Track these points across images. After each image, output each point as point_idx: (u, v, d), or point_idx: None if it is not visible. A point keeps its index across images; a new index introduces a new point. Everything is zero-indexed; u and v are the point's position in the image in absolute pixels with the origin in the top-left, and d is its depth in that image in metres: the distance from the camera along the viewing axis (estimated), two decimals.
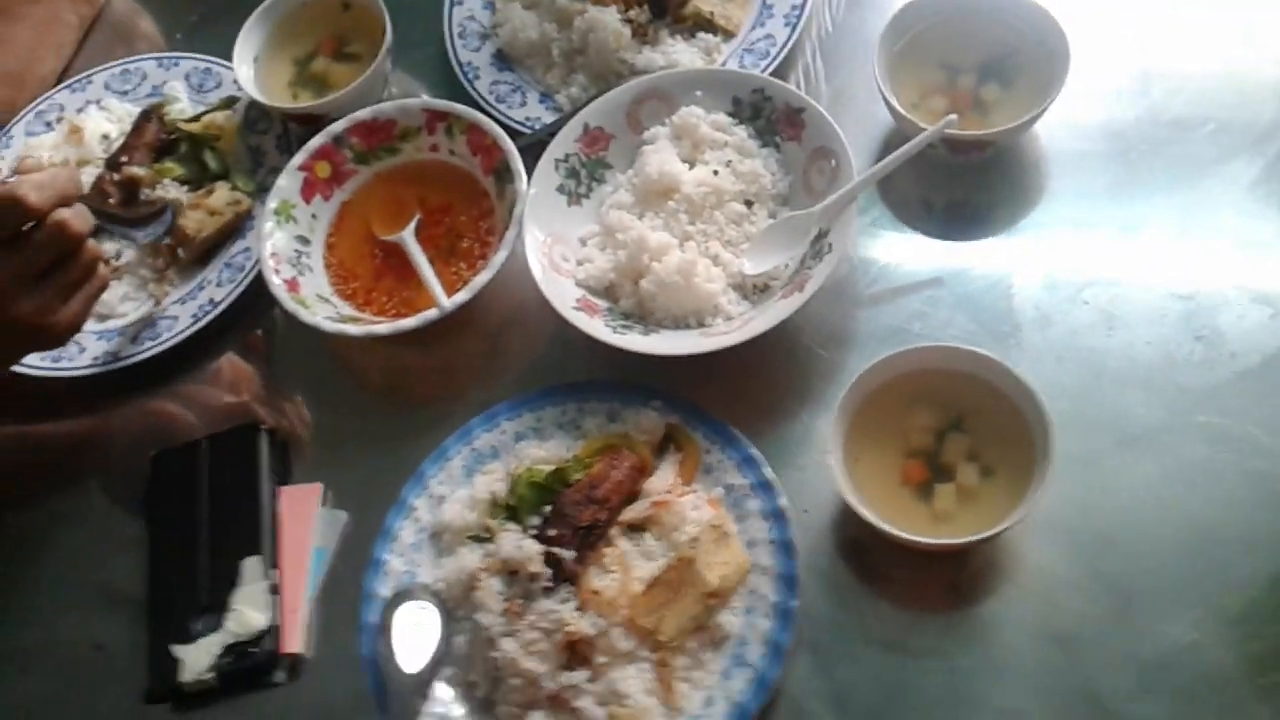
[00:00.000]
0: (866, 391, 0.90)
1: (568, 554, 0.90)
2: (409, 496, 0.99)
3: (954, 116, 0.98)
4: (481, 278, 1.02)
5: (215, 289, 1.14)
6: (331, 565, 1.00)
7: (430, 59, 1.25)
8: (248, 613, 0.96)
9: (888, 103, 1.03)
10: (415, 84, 1.27)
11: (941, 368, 0.90)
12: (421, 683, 0.90)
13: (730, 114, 1.08)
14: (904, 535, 0.84)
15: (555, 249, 1.04)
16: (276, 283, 1.07)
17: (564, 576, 0.90)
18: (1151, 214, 1.02)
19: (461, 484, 0.98)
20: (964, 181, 1.07)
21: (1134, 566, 0.86)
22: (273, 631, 0.96)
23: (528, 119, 1.16)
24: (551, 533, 0.91)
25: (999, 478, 0.87)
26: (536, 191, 1.05)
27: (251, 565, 0.99)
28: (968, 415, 0.90)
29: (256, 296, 1.12)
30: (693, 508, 0.91)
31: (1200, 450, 0.90)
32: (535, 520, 0.93)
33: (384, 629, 0.92)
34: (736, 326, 0.97)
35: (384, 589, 0.95)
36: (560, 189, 1.07)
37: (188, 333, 1.11)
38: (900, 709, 0.84)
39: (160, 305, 1.14)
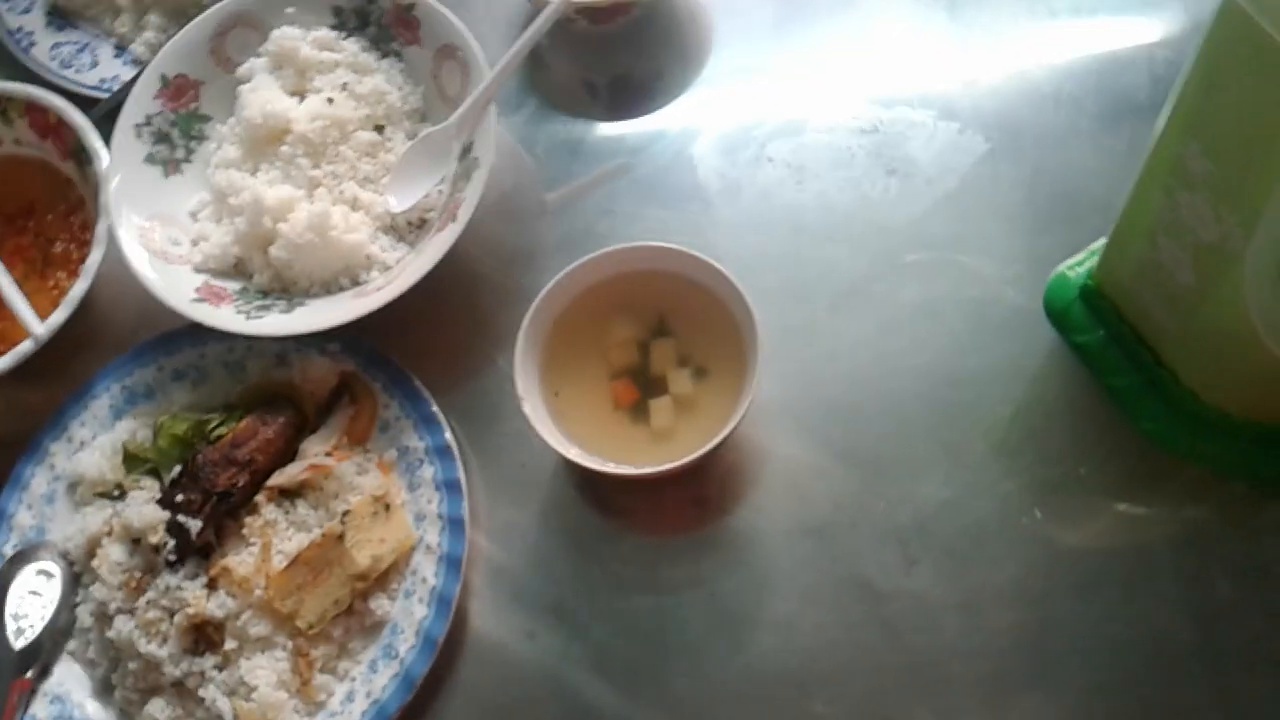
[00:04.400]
0: (552, 315, 0.79)
1: (194, 523, 0.76)
2: (45, 439, 0.84)
3: None
4: (77, 288, 0.84)
5: None
6: None
7: None
8: None
9: None
10: None
11: (632, 270, 0.80)
12: (28, 658, 0.77)
13: (334, 28, 0.92)
14: (624, 470, 0.74)
15: (161, 232, 0.87)
16: None
17: (192, 549, 0.77)
18: (820, 46, 0.94)
19: (106, 428, 0.84)
20: (622, 53, 0.96)
21: (873, 433, 0.79)
22: None
23: (103, 81, 0.97)
24: (179, 498, 0.77)
25: (713, 377, 0.78)
26: (120, 168, 0.87)
27: None
28: (670, 316, 0.80)
29: None
30: (358, 472, 0.79)
31: (914, 290, 0.83)
32: (171, 479, 0.79)
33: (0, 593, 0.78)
34: (393, 277, 0.83)
35: (7, 547, 0.81)
36: (150, 159, 0.89)
37: None
38: (667, 651, 0.75)
39: None
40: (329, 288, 0.85)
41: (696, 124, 0.93)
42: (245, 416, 0.80)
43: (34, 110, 0.92)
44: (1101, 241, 0.78)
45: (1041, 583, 0.73)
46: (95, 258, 0.84)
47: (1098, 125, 0.87)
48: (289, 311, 0.83)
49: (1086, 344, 0.78)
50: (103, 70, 0.98)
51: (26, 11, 1.02)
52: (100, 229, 0.85)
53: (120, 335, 0.89)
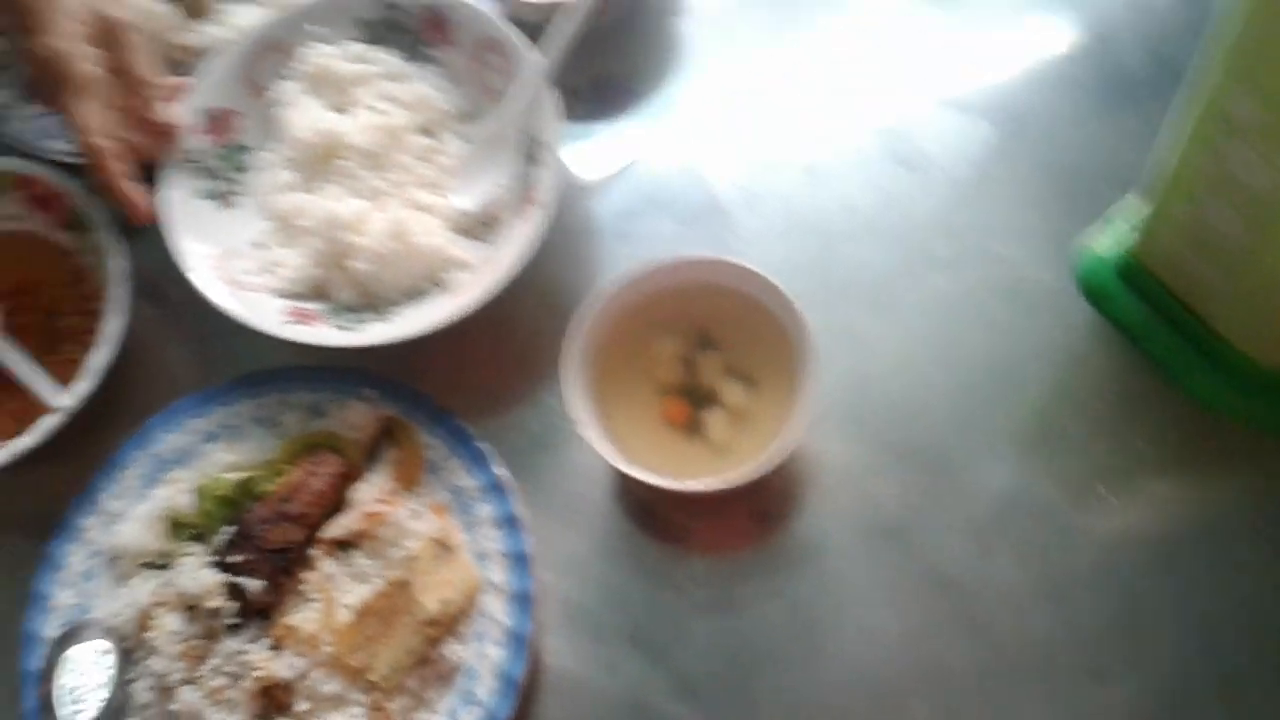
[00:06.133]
0: (593, 338, 0.77)
1: (255, 584, 0.74)
2: (76, 517, 0.81)
3: None
4: (99, 357, 0.81)
5: None
6: None
7: None
8: None
9: None
10: None
11: (668, 285, 0.79)
12: None
13: (363, 40, 0.90)
14: (687, 485, 0.73)
15: (231, 263, 0.84)
16: None
17: (253, 610, 0.74)
18: (818, 43, 0.94)
19: (140, 498, 0.81)
20: (605, 52, 0.94)
21: (927, 428, 0.79)
22: None
23: None
24: (235, 559, 0.75)
25: (765, 386, 0.77)
26: (177, 206, 0.84)
27: None
28: (713, 328, 0.79)
29: None
30: (413, 517, 0.76)
31: (947, 281, 0.83)
32: (223, 541, 0.77)
33: (47, 676, 0.75)
34: (484, 274, 0.81)
35: (48, 629, 0.78)
36: (202, 194, 0.87)
37: None
38: (751, 668, 0.74)
39: None
40: (412, 294, 0.83)
41: (699, 134, 0.92)
42: (291, 470, 0.78)
43: (22, 183, 0.89)
44: (1116, 208, 0.79)
45: (1120, 562, 0.73)
46: (116, 325, 0.81)
47: (1100, 103, 0.88)
48: (385, 319, 0.82)
49: (1129, 320, 0.79)
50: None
51: (3, 87, 0.98)
52: (115, 294, 0.82)
53: (135, 406, 0.86)
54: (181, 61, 0.93)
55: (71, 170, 0.89)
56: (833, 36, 0.95)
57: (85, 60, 0.81)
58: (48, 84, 0.82)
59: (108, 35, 0.83)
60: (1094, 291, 0.80)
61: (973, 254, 0.84)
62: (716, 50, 0.95)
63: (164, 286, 0.88)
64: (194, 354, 0.90)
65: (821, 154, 0.89)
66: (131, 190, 0.82)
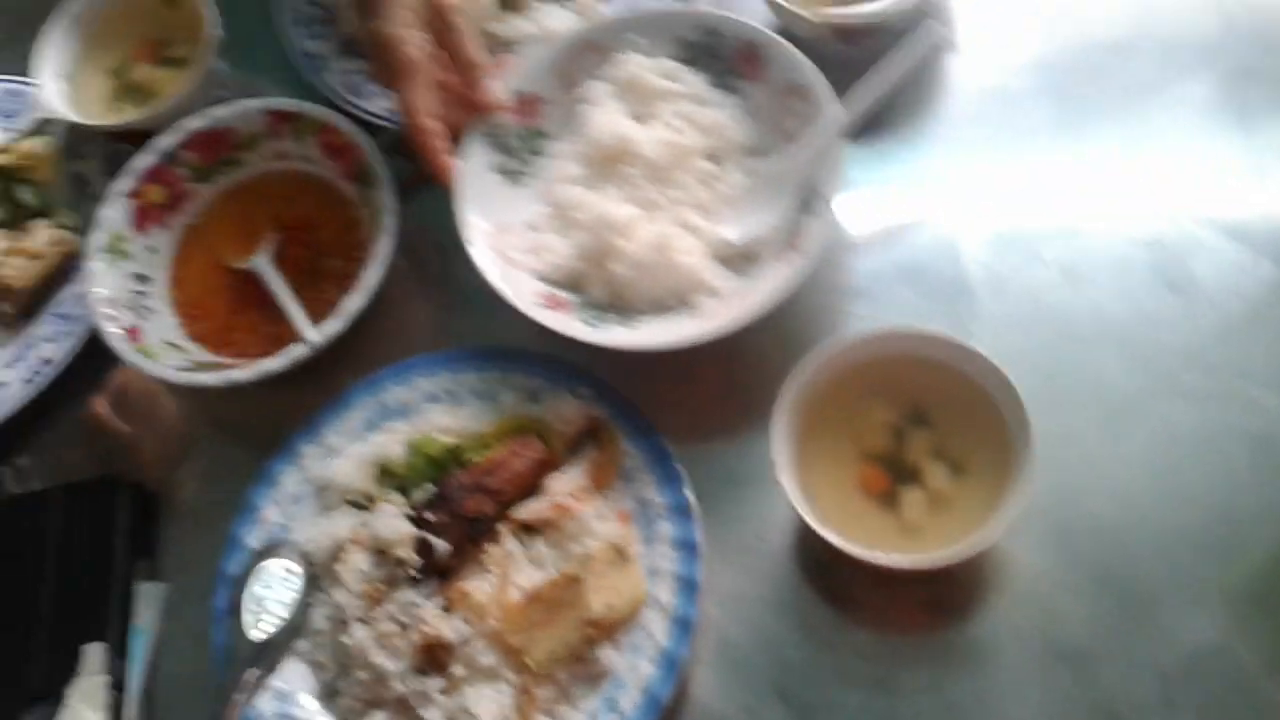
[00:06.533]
0: (807, 389, 0.77)
1: (443, 544, 0.78)
2: (298, 443, 0.87)
3: (949, 32, 0.91)
4: (353, 301, 0.87)
5: (48, 346, 0.97)
6: (155, 648, 0.86)
7: (268, 54, 1.08)
8: (83, 712, 0.81)
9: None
10: (262, 85, 1.08)
11: (893, 353, 0.78)
12: (263, 652, 0.78)
13: (677, 59, 0.94)
14: (876, 557, 0.72)
15: (503, 239, 0.89)
16: (113, 332, 0.91)
17: (435, 569, 0.78)
18: (1099, 152, 0.91)
19: (359, 439, 0.86)
20: (888, 111, 0.92)
21: (1137, 559, 0.75)
22: None
23: (389, 110, 1.01)
24: (430, 517, 0.79)
25: (972, 475, 0.76)
26: (470, 175, 0.90)
27: (94, 653, 0.84)
28: (929, 406, 0.78)
29: (100, 348, 0.94)
30: (598, 518, 0.79)
31: (1191, 415, 0.79)
32: (423, 497, 0.81)
33: (241, 583, 0.81)
34: (731, 305, 0.83)
35: (252, 539, 0.84)
36: (495, 168, 0.92)
37: (21, 401, 0.95)
38: None
39: None
40: (659, 307, 0.86)
41: (963, 212, 0.91)
42: (498, 446, 0.81)
43: (327, 131, 0.96)
44: None
45: None
46: (375, 275, 0.88)
47: None
48: (629, 326, 0.85)
49: None
50: (387, 100, 1.02)
51: (320, 38, 1.07)
52: (381, 248, 0.88)
53: (374, 353, 0.92)
54: (488, 48, 0.99)
55: (369, 128, 0.97)
56: (1118, 141, 0.91)
57: (416, 45, 0.88)
58: (383, 66, 0.89)
59: (437, 19, 0.89)
60: None
61: (1225, 393, 0.80)
62: (995, 130, 0.94)
63: (424, 249, 0.95)
64: (434, 316, 0.95)
65: (1082, 256, 0.86)
66: (447, 163, 0.89)
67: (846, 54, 0.93)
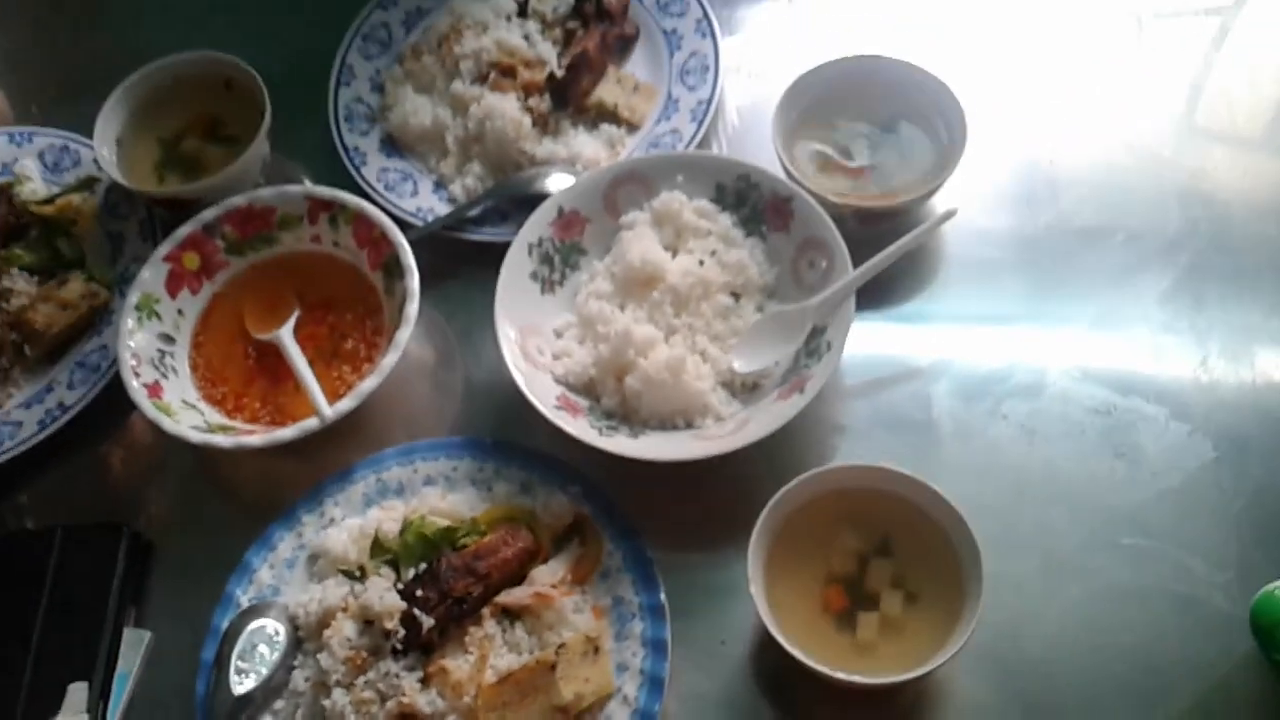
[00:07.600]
0: (787, 512, 0.84)
1: (427, 620, 0.83)
2: (299, 510, 0.92)
3: (954, 209, 0.98)
4: (368, 383, 0.93)
5: (66, 391, 1.03)
6: (132, 692, 0.90)
7: (314, 143, 1.17)
8: None
9: (799, 184, 1.00)
10: (296, 169, 1.18)
11: (866, 487, 0.85)
12: (242, 706, 0.83)
13: (713, 201, 1.02)
14: (829, 672, 0.78)
15: (529, 341, 0.97)
16: (136, 387, 0.97)
17: (418, 643, 0.83)
18: (1066, 325, 1.00)
19: (357, 512, 0.92)
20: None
21: (1065, 700, 0.81)
22: None
23: (419, 209, 1.09)
24: (419, 592, 0.84)
25: (923, 606, 0.82)
26: (508, 278, 0.98)
27: (76, 692, 0.87)
28: (893, 538, 0.85)
29: (114, 400, 1.00)
30: (575, 610, 0.85)
31: (1127, 574, 0.87)
32: (414, 573, 0.86)
33: (228, 638, 0.85)
34: (730, 429, 0.91)
35: (244, 597, 0.88)
36: (533, 275, 1.00)
37: (33, 441, 1.00)
38: None
39: (2, 408, 1.03)
40: (665, 424, 0.93)
41: (938, 362, 0.99)
42: (489, 532, 0.87)
43: (361, 221, 1.03)
44: None
45: None
46: (391, 359, 0.94)
47: None
48: (634, 437, 0.91)
49: None
50: (420, 200, 1.10)
51: (364, 134, 1.15)
52: (400, 335, 0.95)
53: (381, 431, 0.98)
54: (519, 165, 1.08)
55: (400, 223, 1.04)
56: (1085, 318, 1.00)
57: None
58: None
59: None
60: (1263, 633, 0.82)
61: (1157, 556, 0.87)
62: (975, 297, 1.03)
63: (441, 339, 1.03)
64: (441, 402, 1.02)
65: (1041, 417, 0.94)
66: None
67: (861, 233, 1.01)
